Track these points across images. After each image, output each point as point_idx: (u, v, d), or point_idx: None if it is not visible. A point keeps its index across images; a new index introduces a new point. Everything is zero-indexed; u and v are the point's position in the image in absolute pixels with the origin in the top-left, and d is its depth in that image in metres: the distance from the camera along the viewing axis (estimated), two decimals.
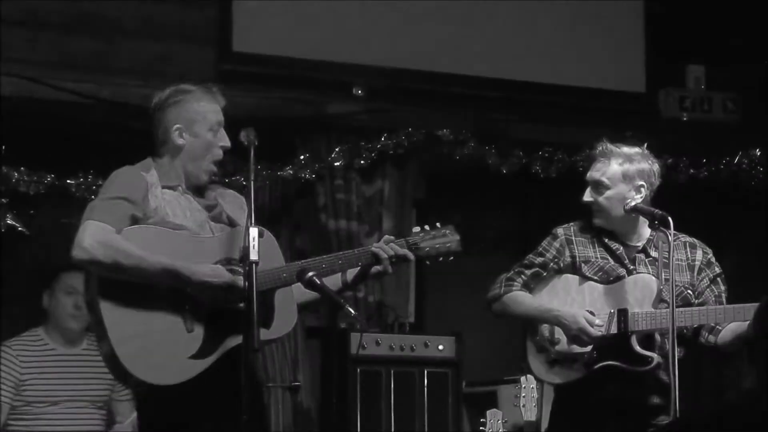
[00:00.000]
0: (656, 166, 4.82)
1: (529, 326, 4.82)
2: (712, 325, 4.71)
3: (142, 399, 4.13)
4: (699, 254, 4.82)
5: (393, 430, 6.38)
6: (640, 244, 4.78)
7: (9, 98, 6.15)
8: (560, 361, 4.73)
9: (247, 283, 3.78)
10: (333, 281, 4.19)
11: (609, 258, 4.77)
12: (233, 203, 4.27)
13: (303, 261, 4.14)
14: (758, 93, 7.35)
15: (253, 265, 3.77)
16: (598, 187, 4.76)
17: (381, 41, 6.85)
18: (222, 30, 6.62)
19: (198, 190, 4.22)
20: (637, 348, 4.63)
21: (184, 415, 3.96)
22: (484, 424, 5.29)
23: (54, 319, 5.88)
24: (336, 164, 6.84)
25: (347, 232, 6.78)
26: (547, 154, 7.18)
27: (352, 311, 3.92)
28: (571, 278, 4.79)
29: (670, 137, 7.08)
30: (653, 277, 4.69)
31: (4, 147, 6.29)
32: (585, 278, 4.77)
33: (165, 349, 3.91)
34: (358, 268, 4.22)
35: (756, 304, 4.52)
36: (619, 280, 4.72)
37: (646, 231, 4.81)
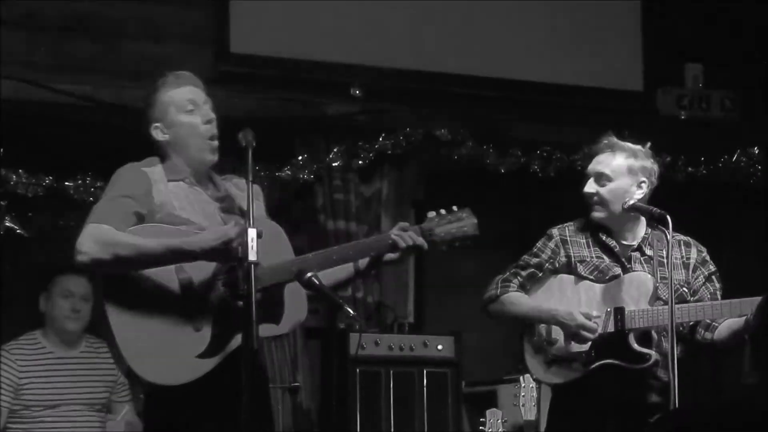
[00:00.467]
0: (656, 167, 4.82)
1: (526, 327, 4.81)
2: (708, 322, 4.71)
3: (146, 398, 4.11)
4: (693, 252, 4.81)
5: (392, 430, 6.39)
6: (635, 243, 4.78)
7: (8, 100, 6.15)
8: (558, 361, 4.72)
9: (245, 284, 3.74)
10: (346, 268, 4.16)
11: (604, 257, 4.76)
12: (244, 195, 4.17)
13: (314, 253, 4.07)
14: (756, 91, 7.36)
15: (252, 266, 3.75)
16: (601, 178, 4.73)
17: (379, 42, 6.85)
18: (219, 31, 6.62)
19: (209, 180, 4.15)
20: (635, 346, 4.63)
21: (188, 415, 3.94)
22: (483, 424, 5.29)
23: (51, 322, 5.88)
24: (334, 165, 6.85)
25: (346, 233, 6.79)
26: (545, 154, 7.18)
27: (351, 311, 3.90)
28: (567, 278, 4.79)
29: (668, 136, 7.09)
30: (649, 275, 4.68)
31: (2, 149, 6.30)
32: (581, 278, 4.76)
33: (172, 349, 3.88)
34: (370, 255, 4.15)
35: (752, 299, 4.52)
36: (615, 279, 4.72)
37: (641, 229, 4.80)
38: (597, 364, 4.64)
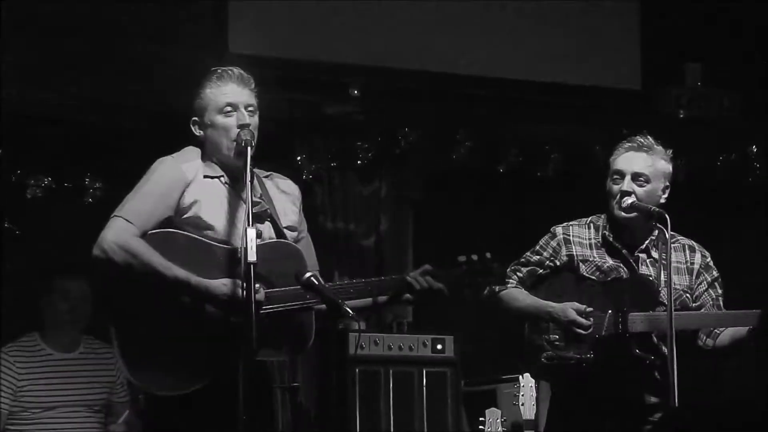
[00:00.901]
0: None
1: (526, 325, 4.81)
2: (710, 328, 4.72)
3: (146, 403, 4.11)
4: (698, 257, 4.80)
5: (392, 429, 6.39)
6: (643, 245, 4.75)
7: (8, 100, 6.15)
8: (558, 360, 4.72)
9: (245, 293, 3.74)
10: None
11: (608, 257, 4.75)
12: (283, 197, 4.17)
13: (330, 284, 4.04)
14: (756, 90, 7.36)
15: (251, 266, 3.75)
16: (639, 179, 4.67)
17: (377, 42, 6.85)
18: (218, 31, 6.62)
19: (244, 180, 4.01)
20: (635, 350, 4.62)
21: (186, 423, 3.93)
22: (483, 423, 5.30)
23: (50, 324, 5.87)
24: (333, 165, 6.85)
25: (345, 233, 6.79)
26: (544, 153, 7.18)
27: (350, 312, 3.91)
28: (569, 277, 4.79)
29: (668, 135, 7.07)
30: (652, 279, 4.67)
31: (1, 149, 6.30)
32: (583, 277, 4.76)
33: (172, 358, 3.88)
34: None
35: (754, 311, 4.52)
36: (618, 280, 4.71)
37: (650, 231, 4.78)
38: (596, 365, 4.63)
